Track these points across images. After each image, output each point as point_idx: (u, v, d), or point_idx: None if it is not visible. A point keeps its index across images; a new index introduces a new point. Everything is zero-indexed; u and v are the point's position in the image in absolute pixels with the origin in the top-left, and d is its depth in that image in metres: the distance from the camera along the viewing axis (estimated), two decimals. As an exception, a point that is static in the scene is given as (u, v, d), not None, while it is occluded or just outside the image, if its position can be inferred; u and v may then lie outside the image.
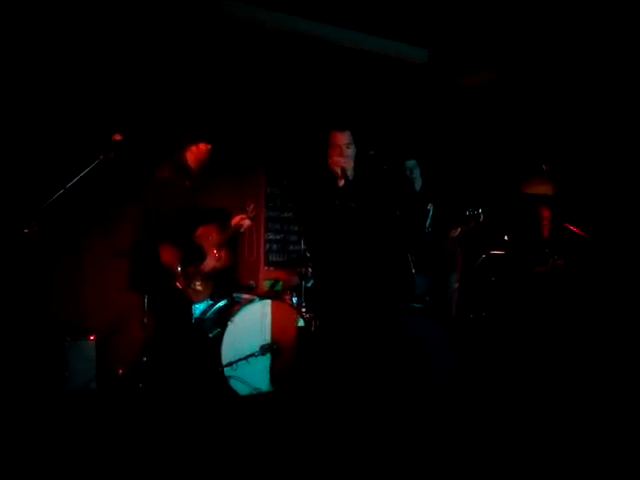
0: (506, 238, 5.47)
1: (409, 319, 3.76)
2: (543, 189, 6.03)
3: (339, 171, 3.59)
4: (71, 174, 3.67)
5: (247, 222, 4.61)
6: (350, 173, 3.61)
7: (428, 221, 4.29)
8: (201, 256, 4.33)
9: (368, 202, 3.63)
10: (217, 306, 4.78)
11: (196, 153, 4.27)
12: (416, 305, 4.26)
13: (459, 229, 4.53)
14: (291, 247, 6.06)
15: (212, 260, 4.37)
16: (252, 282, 5.42)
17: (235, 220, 4.55)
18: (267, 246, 5.97)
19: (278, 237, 6.02)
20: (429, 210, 4.25)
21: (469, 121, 6.39)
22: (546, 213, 5.56)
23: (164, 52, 5.16)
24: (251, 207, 4.70)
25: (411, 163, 4.43)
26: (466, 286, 5.39)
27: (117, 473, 3.08)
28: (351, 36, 5.79)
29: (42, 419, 3.82)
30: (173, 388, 4.07)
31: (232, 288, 4.93)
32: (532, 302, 5.30)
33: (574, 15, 5.06)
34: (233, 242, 4.83)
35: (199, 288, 4.31)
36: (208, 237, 4.39)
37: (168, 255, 4.11)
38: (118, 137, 3.77)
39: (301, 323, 4.66)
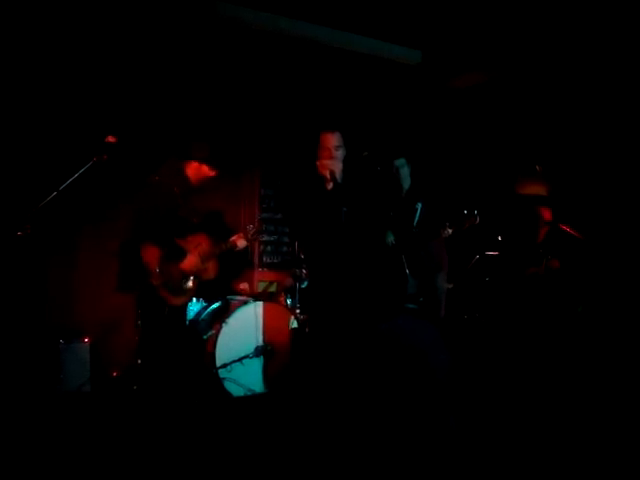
0: (499, 239, 5.48)
1: (402, 320, 3.78)
2: (537, 190, 6.04)
3: (327, 174, 3.58)
4: (64, 176, 3.67)
5: (242, 242, 4.54)
6: (339, 175, 3.60)
7: (415, 220, 4.29)
8: (182, 256, 4.26)
9: (358, 204, 3.62)
10: (211, 308, 4.79)
11: (197, 171, 4.27)
12: (410, 306, 4.27)
13: (451, 230, 4.53)
14: (285, 248, 6.05)
15: (194, 258, 4.26)
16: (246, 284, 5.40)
17: (232, 238, 4.51)
18: (261, 247, 5.97)
19: (272, 238, 6.00)
20: (417, 209, 4.25)
21: (462, 122, 6.41)
22: (547, 215, 5.55)
23: (159, 55, 5.16)
24: (251, 227, 4.66)
25: (399, 162, 4.44)
26: (460, 287, 5.40)
27: (112, 475, 3.09)
28: (346, 38, 5.79)
29: (37, 421, 3.81)
30: (167, 390, 4.07)
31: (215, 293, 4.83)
32: (525, 303, 5.31)
33: (564, 18, 5.08)
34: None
35: (182, 286, 4.23)
36: (196, 245, 4.30)
37: (149, 254, 4.09)
38: (111, 139, 3.76)
39: (295, 324, 4.67)
